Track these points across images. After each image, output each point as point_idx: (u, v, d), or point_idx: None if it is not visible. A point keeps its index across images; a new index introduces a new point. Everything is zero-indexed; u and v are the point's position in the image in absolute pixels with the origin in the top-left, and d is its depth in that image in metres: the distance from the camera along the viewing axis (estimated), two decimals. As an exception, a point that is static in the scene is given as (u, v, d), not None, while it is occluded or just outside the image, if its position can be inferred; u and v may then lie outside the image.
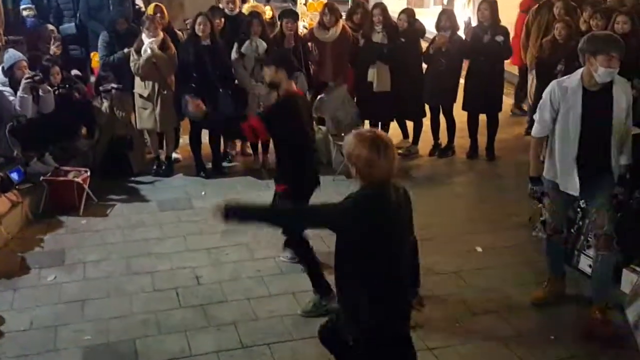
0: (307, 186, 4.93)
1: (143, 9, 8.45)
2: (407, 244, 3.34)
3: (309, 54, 7.59)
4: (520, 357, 4.33)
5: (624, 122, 4.42)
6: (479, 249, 5.78)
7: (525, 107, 8.99)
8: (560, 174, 4.57)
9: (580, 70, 4.43)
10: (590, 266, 5.23)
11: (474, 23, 7.63)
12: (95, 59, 7.92)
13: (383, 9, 7.67)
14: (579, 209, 5.39)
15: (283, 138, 4.84)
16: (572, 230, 5.42)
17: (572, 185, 4.52)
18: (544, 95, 4.58)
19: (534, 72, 7.94)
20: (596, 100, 4.35)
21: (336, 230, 3.22)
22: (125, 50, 7.25)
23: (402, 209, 3.26)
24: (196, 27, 6.99)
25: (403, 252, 3.29)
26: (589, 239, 5.28)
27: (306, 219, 3.52)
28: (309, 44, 7.54)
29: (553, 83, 4.56)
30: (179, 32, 8.00)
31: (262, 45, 7.15)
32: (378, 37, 7.58)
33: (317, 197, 5.13)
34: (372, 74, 7.58)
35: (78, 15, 8.53)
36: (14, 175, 6.29)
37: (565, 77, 4.59)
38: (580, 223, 5.37)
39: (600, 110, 4.34)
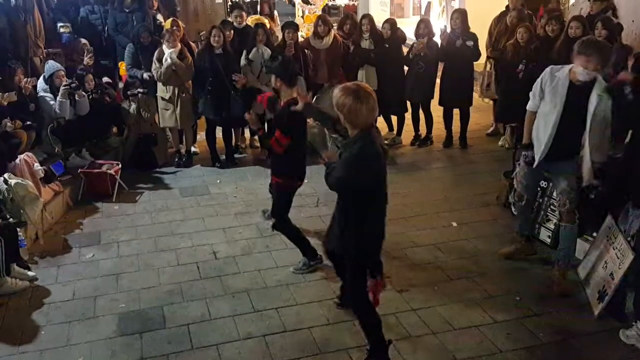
0: (298, 177, 4.95)
1: (163, 23, 8.41)
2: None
3: (307, 60, 7.56)
4: (491, 316, 4.35)
5: (598, 123, 4.27)
6: (455, 224, 5.78)
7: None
8: (536, 145, 4.59)
9: (571, 65, 4.38)
10: (549, 237, 5.26)
11: (448, 30, 7.58)
12: (123, 67, 7.89)
13: (370, 19, 7.65)
14: (538, 189, 5.40)
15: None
16: (534, 207, 5.43)
17: (540, 152, 4.52)
18: (540, 77, 4.53)
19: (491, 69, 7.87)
20: (577, 94, 4.31)
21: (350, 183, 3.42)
22: (149, 74, 7.20)
23: (384, 153, 3.48)
24: (211, 38, 6.96)
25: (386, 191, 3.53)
26: (548, 214, 5.30)
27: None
28: (306, 50, 7.50)
29: (547, 69, 4.51)
30: (192, 44, 7.95)
31: (267, 51, 7.13)
32: (366, 43, 7.55)
33: (322, 183, 5.12)
34: (361, 75, 7.56)
35: (106, 29, 8.51)
36: (56, 168, 6.28)
37: (559, 66, 4.50)
38: (541, 200, 5.38)
39: (578, 104, 4.30)
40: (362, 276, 3.65)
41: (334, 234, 3.75)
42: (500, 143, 7.87)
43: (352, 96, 3.35)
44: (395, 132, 8.14)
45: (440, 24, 11.67)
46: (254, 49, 7.17)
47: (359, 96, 3.35)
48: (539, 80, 4.54)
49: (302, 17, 11.25)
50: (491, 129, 8.34)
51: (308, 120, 7.76)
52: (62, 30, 8.28)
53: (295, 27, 7.62)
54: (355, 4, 15.12)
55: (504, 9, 8.10)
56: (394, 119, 8.16)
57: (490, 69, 7.83)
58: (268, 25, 8.47)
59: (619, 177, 4.54)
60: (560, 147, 4.44)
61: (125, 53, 7.53)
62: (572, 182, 4.54)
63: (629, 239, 4.31)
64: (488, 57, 7.87)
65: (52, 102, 6.58)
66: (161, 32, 7.66)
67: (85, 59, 7.54)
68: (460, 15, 7.41)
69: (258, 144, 7.91)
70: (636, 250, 4.14)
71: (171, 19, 7.98)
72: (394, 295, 4.60)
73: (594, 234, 4.80)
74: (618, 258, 4.28)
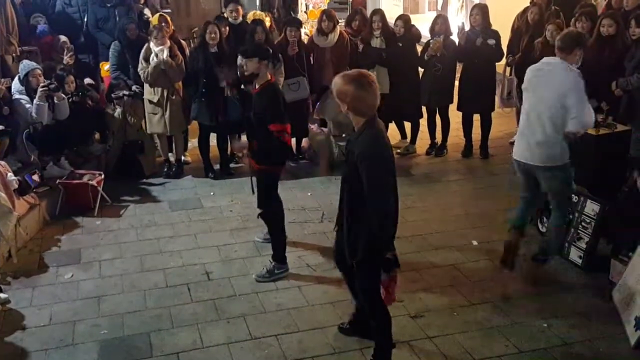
0: (282, 162, 5.27)
1: (151, 18, 8.47)
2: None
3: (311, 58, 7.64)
4: (516, 345, 4.34)
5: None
6: (475, 243, 5.79)
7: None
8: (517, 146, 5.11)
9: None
10: (580, 257, 5.28)
11: (467, 28, 7.63)
12: (104, 68, 7.94)
13: (382, 15, 7.69)
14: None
15: (266, 120, 4.98)
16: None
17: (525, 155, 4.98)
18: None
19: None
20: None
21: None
22: (138, 88, 7.35)
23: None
24: (207, 35, 7.02)
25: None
26: (579, 231, 5.31)
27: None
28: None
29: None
30: (183, 42, 8.01)
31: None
32: (377, 42, 7.60)
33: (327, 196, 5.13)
34: (371, 77, 7.60)
35: (85, 25, 8.55)
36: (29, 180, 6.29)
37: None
38: (570, 217, 5.40)
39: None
40: (376, 275, 3.75)
41: (342, 238, 3.86)
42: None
43: (354, 83, 3.56)
44: (408, 140, 8.17)
45: (458, 20, 11.74)
46: (252, 48, 7.21)
47: (362, 83, 3.55)
48: None
49: (306, 12, 11.28)
50: (515, 136, 8.34)
51: (312, 126, 7.89)
52: (34, 20, 8.28)
53: (298, 24, 7.69)
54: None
55: (529, 3, 8.15)
56: (407, 125, 8.20)
57: (511, 74, 7.86)
58: (269, 23, 8.55)
59: None
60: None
61: (110, 52, 7.58)
62: (549, 182, 4.94)
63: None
64: (507, 63, 7.91)
65: (28, 106, 6.62)
66: (149, 28, 7.71)
67: (65, 57, 7.61)
68: (481, 11, 7.47)
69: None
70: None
71: (158, 14, 8.04)
72: (408, 322, 4.61)
73: (630, 254, 4.81)
74: (658, 281, 4.29)
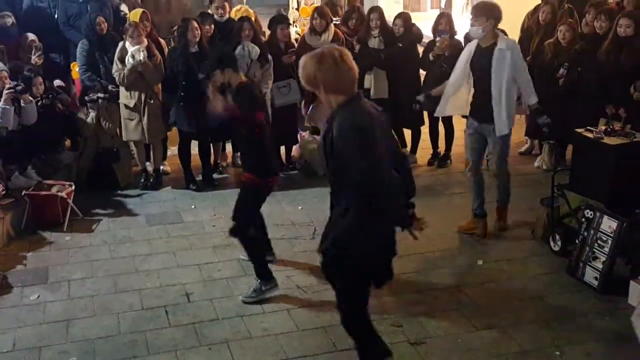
0: (267, 172, 5.19)
1: (128, 15, 8.46)
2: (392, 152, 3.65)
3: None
4: (525, 374, 4.35)
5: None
6: (481, 262, 5.80)
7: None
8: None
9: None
10: (596, 279, 5.28)
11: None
12: (76, 69, 7.92)
13: (380, 13, 7.72)
14: (583, 219, 5.44)
15: (247, 123, 5.07)
16: (577, 241, 5.47)
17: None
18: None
19: None
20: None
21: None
22: (113, 88, 7.35)
23: (378, 117, 3.57)
24: (189, 33, 7.01)
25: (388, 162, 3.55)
26: (594, 250, 5.32)
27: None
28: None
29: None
30: (163, 40, 8.01)
31: (255, 49, 7.18)
32: (374, 42, 7.63)
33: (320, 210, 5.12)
34: (369, 81, 7.63)
35: (56, 22, 8.55)
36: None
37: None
38: (585, 234, 5.41)
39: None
40: (362, 291, 3.71)
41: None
42: (536, 164, 7.92)
43: (322, 60, 3.45)
44: (409, 149, 8.18)
45: (463, 19, 11.80)
46: (239, 47, 7.23)
47: (332, 57, 3.45)
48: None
49: (298, 9, 11.32)
50: (525, 146, 8.39)
51: (303, 134, 7.89)
52: (1, 20, 8.27)
53: (288, 22, 7.71)
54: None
55: (540, 1, 8.20)
56: (407, 133, 8.21)
57: None
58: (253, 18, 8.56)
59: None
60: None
61: (78, 51, 7.57)
62: (496, 145, 5.91)
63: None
64: None
65: (-8, 110, 6.60)
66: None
67: (34, 57, 7.59)
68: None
69: (240, 162, 7.96)
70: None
71: (138, 10, 8.03)
72: (408, 349, 4.59)
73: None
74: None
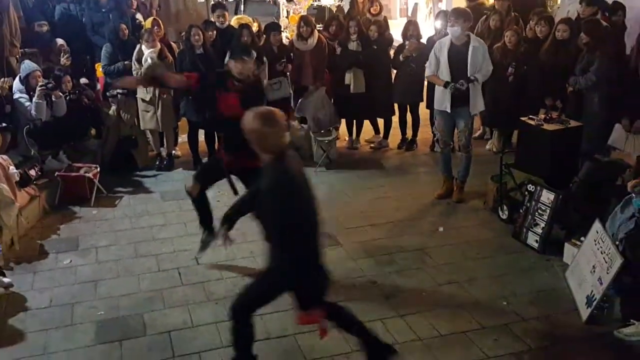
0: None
1: (143, 22, 8.39)
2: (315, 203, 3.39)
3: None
4: (478, 321, 4.39)
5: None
6: (441, 229, 5.83)
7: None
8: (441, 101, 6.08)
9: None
10: (536, 241, 5.34)
11: (436, 30, 7.68)
12: (99, 69, 7.86)
13: (357, 21, 7.71)
14: (526, 192, 5.49)
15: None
16: (521, 211, 5.52)
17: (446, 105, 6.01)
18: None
19: None
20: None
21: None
22: (126, 62, 7.28)
23: (302, 175, 3.38)
24: (191, 37, 6.97)
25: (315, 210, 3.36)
26: (535, 218, 5.37)
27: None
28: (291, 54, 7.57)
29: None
30: (174, 44, 7.95)
31: (252, 53, 7.12)
32: (353, 45, 7.59)
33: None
34: (349, 78, 7.60)
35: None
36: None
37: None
38: (528, 205, 5.46)
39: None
40: (270, 294, 3.63)
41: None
42: (487, 147, 7.95)
43: (260, 120, 3.26)
44: (382, 135, 8.19)
45: (427, 25, 11.78)
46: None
47: (268, 120, 3.26)
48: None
49: (287, 17, 11.30)
50: (478, 132, 8.42)
51: (293, 122, 7.86)
52: (39, 28, 8.20)
53: (280, 29, 7.67)
54: (342, 4, 15.20)
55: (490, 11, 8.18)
56: (380, 121, 8.22)
57: None
58: (256, 27, 8.50)
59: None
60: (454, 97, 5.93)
61: (102, 53, 7.50)
62: (467, 123, 6.09)
63: (617, 243, 4.38)
64: None
65: (27, 104, 6.54)
66: (140, 32, 7.64)
67: (62, 59, 7.51)
68: (444, 16, 7.48)
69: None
70: (624, 255, 4.22)
71: (151, 18, 7.98)
72: (381, 301, 4.64)
73: (582, 238, 4.88)
74: (606, 262, 4.35)
